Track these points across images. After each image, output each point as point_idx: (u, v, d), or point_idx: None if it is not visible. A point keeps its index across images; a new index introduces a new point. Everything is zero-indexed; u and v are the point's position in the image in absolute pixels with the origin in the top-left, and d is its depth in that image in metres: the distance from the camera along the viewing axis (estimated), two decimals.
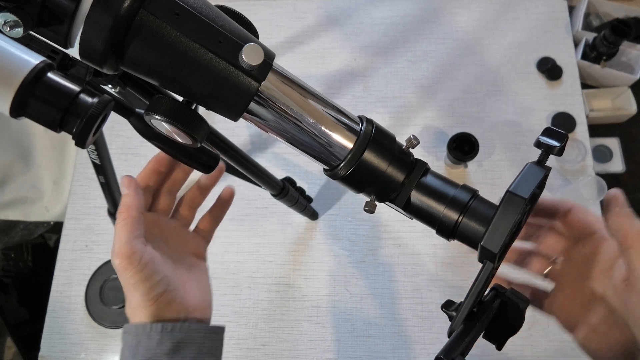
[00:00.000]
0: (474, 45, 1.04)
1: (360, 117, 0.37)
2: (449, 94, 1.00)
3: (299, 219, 0.93)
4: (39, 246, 1.19)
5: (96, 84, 0.45)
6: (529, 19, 1.05)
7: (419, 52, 1.04)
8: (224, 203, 0.50)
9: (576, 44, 1.03)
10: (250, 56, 0.30)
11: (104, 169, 0.68)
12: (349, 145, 0.35)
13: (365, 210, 0.36)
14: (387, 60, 1.03)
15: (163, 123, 0.33)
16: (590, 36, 1.03)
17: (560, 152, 0.34)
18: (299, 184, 0.87)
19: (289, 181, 0.81)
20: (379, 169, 0.35)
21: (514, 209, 0.30)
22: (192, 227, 0.50)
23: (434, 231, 0.36)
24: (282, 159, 0.98)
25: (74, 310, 0.90)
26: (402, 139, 0.37)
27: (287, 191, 0.74)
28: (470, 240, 0.35)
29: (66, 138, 1.11)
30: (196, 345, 0.40)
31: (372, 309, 0.87)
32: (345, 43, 1.05)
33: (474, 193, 0.36)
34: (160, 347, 0.38)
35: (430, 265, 0.88)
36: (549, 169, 0.34)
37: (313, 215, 0.92)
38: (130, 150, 1.00)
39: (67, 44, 0.30)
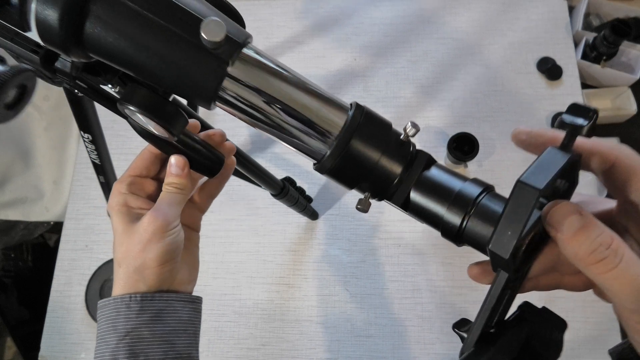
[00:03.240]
0: (474, 45, 1.03)
1: (351, 104, 0.33)
2: (449, 94, 1.00)
3: (299, 219, 0.93)
4: (39, 246, 1.19)
5: (93, 83, 0.45)
6: (529, 19, 1.05)
7: (419, 52, 1.04)
8: (223, 172, 0.47)
9: (576, 44, 1.03)
10: (209, 32, 0.28)
11: (104, 169, 0.68)
12: (335, 133, 0.32)
13: (357, 208, 0.32)
14: (387, 60, 1.03)
15: (137, 114, 0.32)
16: (590, 36, 1.03)
17: (590, 132, 0.28)
18: (299, 184, 0.87)
19: (289, 181, 0.81)
20: (369, 160, 0.31)
21: (525, 203, 0.25)
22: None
23: (434, 231, 0.33)
24: (282, 159, 0.98)
25: (74, 310, 0.90)
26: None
27: (287, 191, 0.74)
28: (480, 245, 0.30)
29: (66, 138, 1.11)
30: (176, 314, 0.41)
31: (372, 309, 0.87)
32: (345, 43, 1.05)
33: (485, 188, 0.31)
34: (140, 316, 0.39)
35: (430, 265, 0.88)
36: (576, 155, 0.27)
37: (313, 215, 0.92)
38: (130, 150, 1.00)
39: (25, 26, 0.29)
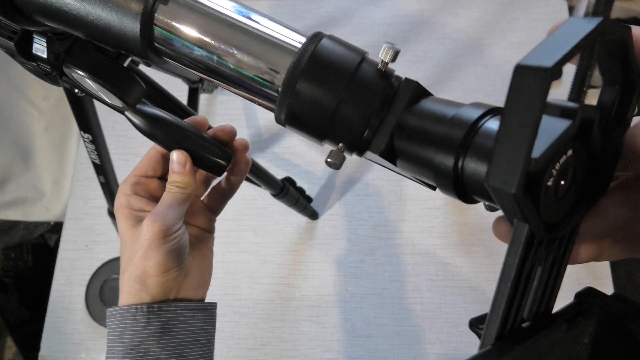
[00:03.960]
0: (474, 45, 1.04)
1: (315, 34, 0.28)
2: (449, 94, 1.00)
3: (299, 219, 0.93)
4: (39, 246, 1.19)
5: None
6: (529, 19, 1.05)
7: (419, 52, 1.04)
8: (237, 171, 0.43)
9: None
10: None
11: (104, 169, 0.68)
12: (280, 79, 0.27)
13: (327, 163, 0.26)
14: None
15: (87, 79, 0.29)
16: None
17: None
18: (299, 184, 0.87)
19: (289, 181, 0.81)
20: (325, 105, 0.26)
21: (529, 98, 0.16)
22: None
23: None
24: (282, 159, 0.98)
25: (74, 310, 0.90)
26: None
27: (287, 191, 0.74)
28: (484, 190, 0.22)
29: (66, 138, 1.11)
30: (186, 325, 0.38)
31: (372, 309, 0.87)
32: None
33: (488, 111, 0.23)
34: (147, 329, 0.36)
35: (430, 265, 0.88)
36: (613, 22, 0.18)
37: (313, 215, 0.92)
38: (131, 150, 1.00)
39: None
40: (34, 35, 0.37)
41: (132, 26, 0.28)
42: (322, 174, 0.96)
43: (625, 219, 0.21)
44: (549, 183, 0.19)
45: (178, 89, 0.86)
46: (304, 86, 0.26)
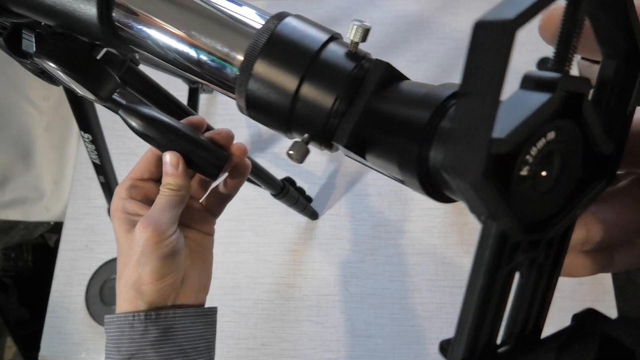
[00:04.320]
0: None
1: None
2: None
3: (299, 219, 0.93)
4: (39, 246, 1.19)
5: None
6: None
7: (419, 52, 1.04)
8: (236, 174, 0.42)
9: None
10: None
11: (104, 169, 0.68)
12: (237, 63, 0.25)
13: (288, 155, 0.24)
14: (387, 60, 1.03)
15: (58, 71, 0.28)
16: None
17: None
18: (299, 184, 0.87)
19: (289, 181, 0.81)
20: (283, 91, 0.23)
21: (486, 57, 0.14)
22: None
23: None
24: (282, 159, 0.98)
25: (74, 310, 0.90)
26: None
27: (287, 191, 0.74)
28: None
29: (66, 138, 1.11)
30: (185, 332, 0.37)
31: (372, 309, 0.87)
32: None
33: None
34: (145, 337, 0.35)
35: (430, 265, 0.88)
36: None
37: (313, 215, 0.92)
38: (130, 150, 1.00)
39: None
40: (23, 31, 0.36)
41: (87, 7, 0.26)
42: (322, 174, 0.96)
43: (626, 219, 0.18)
44: (523, 172, 0.15)
45: (178, 89, 0.86)
46: (262, 68, 0.23)
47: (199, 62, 0.27)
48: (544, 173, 0.16)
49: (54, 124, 1.11)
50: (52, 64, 0.29)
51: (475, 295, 0.16)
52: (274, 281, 0.90)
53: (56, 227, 1.14)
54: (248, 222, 0.93)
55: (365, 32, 0.24)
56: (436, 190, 0.20)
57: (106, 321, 0.37)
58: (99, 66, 0.30)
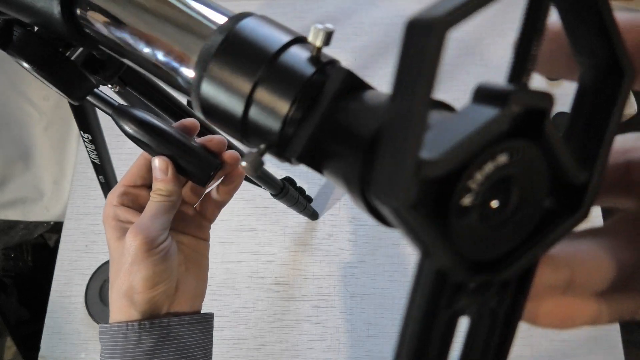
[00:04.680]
0: (474, 46, 1.03)
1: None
2: (449, 94, 1.00)
3: (299, 219, 0.93)
4: (39, 246, 1.19)
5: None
6: None
7: None
8: (230, 182, 0.41)
9: None
10: None
11: (104, 169, 0.68)
12: (195, 57, 0.23)
13: (241, 167, 0.21)
14: (387, 60, 1.03)
15: (33, 72, 0.28)
16: None
17: None
18: (299, 184, 0.87)
19: (289, 181, 0.81)
20: (239, 87, 0.21)
21: (413, 61, 0.11)
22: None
23: None
24: None
25: (74, 310, 0.90)
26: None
27: (287, 191, 0.74)
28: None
29: (66, 138, 1.11)
30: (180, 340, 0.36)
31: (372, 309, 0.87)
32: (346, 43, 1.05)
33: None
34: (139, 347, 0.35)
35: None
36: None
37: (313, 215, 0.92)
38: (131, 151, 1.00)
39: None
40: (14, 28, 0.36)
41: (51, 2, 0.26)
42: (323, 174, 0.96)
43: (632, 267, 0.15)
44: (466, 202, 0.13)
45: None
46: (216, 70, 0.22)
47: (157, 63, 0.25)
48: (494, 204, 0.14)
49: (54, 124, 1.11)
50: (22, 62, 0.28)
51: (408, 343, 0.14)
52: (274, 281, 0.90)
53: (56, 227, 1.14)
54: (248, 222, 0.93)
55: (328, 36, 0.22)
56: (377, 215, 0.18)
57: (100, 331, 0.36)
58: (72, 66, 0.29)
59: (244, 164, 0.21)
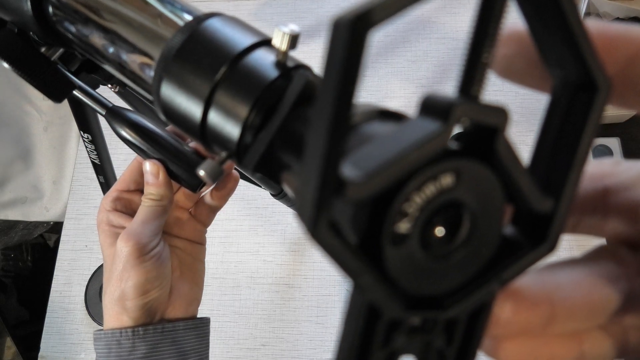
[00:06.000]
0: None
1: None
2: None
3: None
4: (38, 246, 1.19)
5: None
6: None
7: (419, 52, 1.04)
8: (224, 187, 0.41)
9: None
10: None
11: (103, 169, 0.68)
12: (156, 57, 0.22)
13: (199, 175, 0.21)
14: (387, 60, 1.03)
15: (15, 72, 0.27)
16: None
17: None
18: None
19: None
20: (198, 90, 0.20)
21: (332, 64, 0.10)
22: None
23: None
24: None
25: (74, 310, 0.90)
26: None
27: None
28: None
29: (66, 138, 1.11)
30: (175, 346, 0.36)
31: None
32: None
33: (380, 112, 0.16)
34: (133, 354, 0.34)
35: None
36: None
37: None
38: (130, 151, 1.00)
39: None
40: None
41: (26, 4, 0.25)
42: None
43: (618, 305, 0.14)
44: (402, 228, 0.12)
45: None
46: (177, 71, 0.21)
47: (123, 64, 0.25)
48: (439, 231, 0.12)
49: (53, 124, 1.11)
50: (2, 62, 0.28)
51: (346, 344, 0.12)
52: (274, 281, 0.90)
53: (56, 227, 1.14)
54: (248, 222, 0.93)
55: (293, 40, 0.20)
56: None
57: (94, 337, 0.36)
58: (52, 67, 0.28)
59: (202, 172, 0.21)
